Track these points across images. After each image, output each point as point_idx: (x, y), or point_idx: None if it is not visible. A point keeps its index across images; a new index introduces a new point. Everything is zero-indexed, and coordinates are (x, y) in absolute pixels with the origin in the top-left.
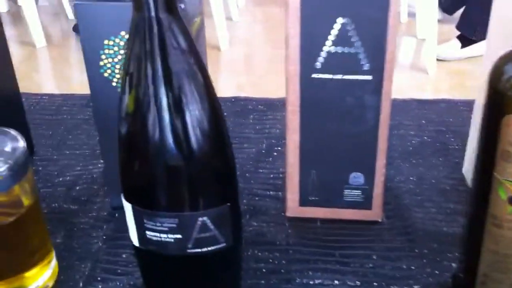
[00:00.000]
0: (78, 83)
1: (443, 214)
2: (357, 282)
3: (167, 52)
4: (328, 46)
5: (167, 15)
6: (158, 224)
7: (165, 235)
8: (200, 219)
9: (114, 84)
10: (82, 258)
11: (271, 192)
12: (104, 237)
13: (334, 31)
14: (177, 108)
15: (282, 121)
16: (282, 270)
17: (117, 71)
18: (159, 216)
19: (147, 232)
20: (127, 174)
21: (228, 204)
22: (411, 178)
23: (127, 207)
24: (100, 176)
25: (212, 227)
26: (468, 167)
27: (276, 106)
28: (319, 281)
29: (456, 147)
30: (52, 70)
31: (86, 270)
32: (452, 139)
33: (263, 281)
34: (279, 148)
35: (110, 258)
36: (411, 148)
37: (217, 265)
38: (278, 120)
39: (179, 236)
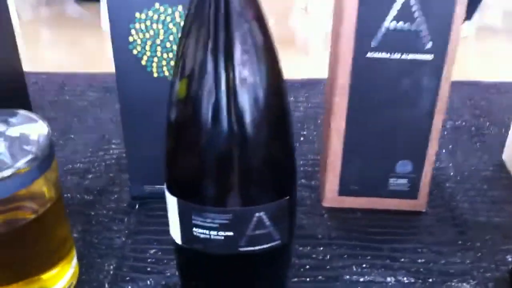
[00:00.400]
0: (56, 63)
1: (488, 203)
2: (411, 279)
3: (234, 27)
4: (387, 22)
5: None
6: (208, 220)
7: (214, 233)
8: (257, 214)
9: (143, 63)
10: (104, 255)
11: (303, 181)
12: (127, 231)
13: (397, 5)
14: (241, 91)
15: (304, 103)
16: (328, 267)
17: (148, 47)
18: (210, 212)
19: (194, 229)
20: (174, 164)
21: (287, 197)
22: (450, 164)
23: (171, 201)
24: (114, 163)
25: (268, 223)
26: (508, 154)
27: (296, 88)
28: (370, 278)
29: (492, 132)
30: (25, 49)
31: (111, 269)
32: (488, 123)
33: (308, 279)
34: (305, 133)
35: (137, 255)
36: (445, 133)
37: (267, 264)
38: (301, 102)
39: (230, 233)
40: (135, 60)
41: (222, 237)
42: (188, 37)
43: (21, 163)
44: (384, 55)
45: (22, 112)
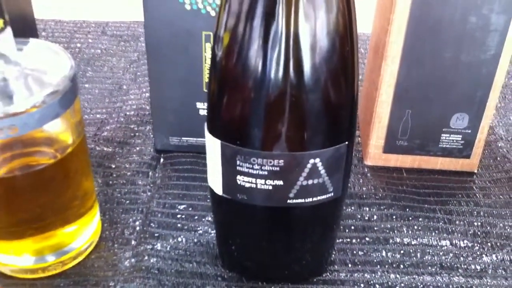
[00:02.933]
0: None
1: None
2: (467, 243)
3: None
4: None
5: None
6: (255, 167)
7: (262, 181)
8: (311, 161)
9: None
10: (129, 210)
11: None
12: (152, 185)
13: None
14: (305, 16)
15: None
16: (376, 228)
17: None
18: (258, 157)
19: (239, 177)
20: (219, 100)
21: (346, 142)
22: (501, 123)
23: (213, 144)
24: (134, 114)
25: (323, 171)
26: None
27: None
28: (423, 240)
29: None
30: None
31: (137, 225)
32: None
33: (354, 240)
34: None
35: (165, 211)
36: None
37: (316, 219)
38: None
39: (280, 182)
40: None
41: (270, 187)
42: None
43: (39, 97)
44: None
45: (41, 42)
